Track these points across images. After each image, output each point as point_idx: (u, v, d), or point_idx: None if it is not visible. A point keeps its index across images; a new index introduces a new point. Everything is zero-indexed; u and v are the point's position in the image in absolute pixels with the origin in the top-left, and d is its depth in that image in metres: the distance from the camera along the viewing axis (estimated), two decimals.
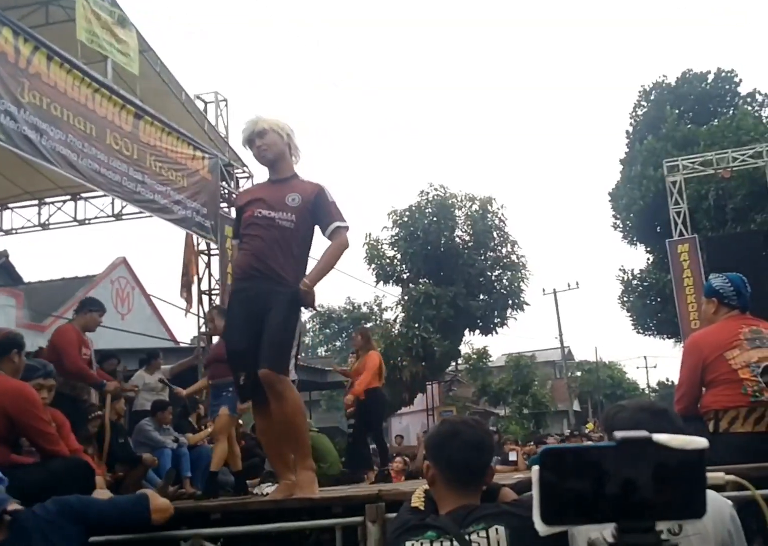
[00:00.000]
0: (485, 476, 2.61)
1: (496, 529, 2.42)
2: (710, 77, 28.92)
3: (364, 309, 48.35)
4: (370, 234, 21.45)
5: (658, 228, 23.94)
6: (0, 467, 4.18)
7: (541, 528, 1.07)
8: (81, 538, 3.01)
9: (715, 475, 1.58)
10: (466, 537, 2.42)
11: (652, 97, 29.09)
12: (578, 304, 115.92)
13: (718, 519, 2.32)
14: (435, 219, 20.64)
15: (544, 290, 38.26)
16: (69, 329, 6.95)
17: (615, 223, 27.77)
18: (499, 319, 21.45)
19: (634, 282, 27.28)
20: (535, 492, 1.06)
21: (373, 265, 21.11)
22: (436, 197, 21.13)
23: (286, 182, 4.57)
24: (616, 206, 27.19)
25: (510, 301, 21.30)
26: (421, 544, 2.46)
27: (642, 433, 1.06)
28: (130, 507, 3.15)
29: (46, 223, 13.45)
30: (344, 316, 48.81)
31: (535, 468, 1.07)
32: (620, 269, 27.90)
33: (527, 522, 2.34)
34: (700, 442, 1.07)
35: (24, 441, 4.71)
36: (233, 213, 12.97)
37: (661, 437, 1.06)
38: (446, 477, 2.54)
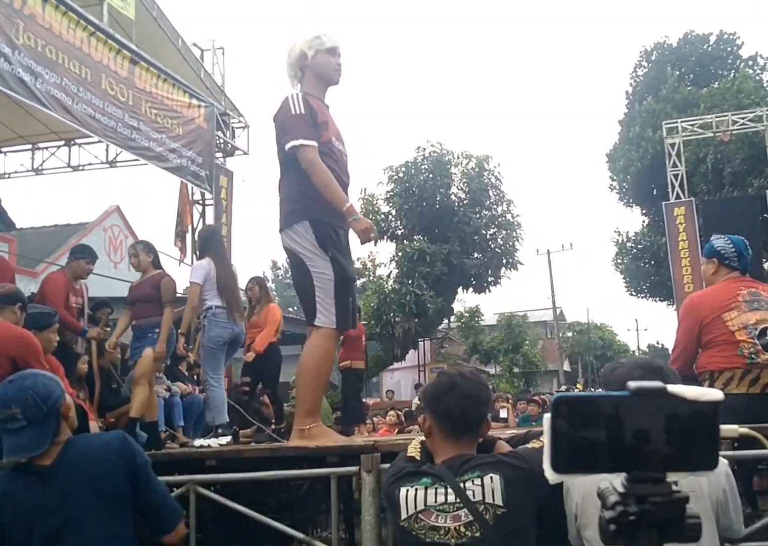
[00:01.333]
0: (481, 428, 2.63)
1: (491, 478, 2.45)
2: (712, 39, 28.58)
3: (358, 264, 48.69)
4: (365, 189, 21.40)
5: (655, 190, 23.88)
6: None
7: (551, 476, 1.06)
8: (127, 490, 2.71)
9: (728, 428, 1.58)
10: (461, 484, 2.45)
11: (653, 58, 28.78)
12: (571, 265, 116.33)
13: (713, 477, 2.34)
14: (431, 176, 20.54)
15: (537, 251, 38.44)
16: (57, 277, 6.95)
17: (611, 185, 27.68)
18: (492, 278, 21.50)
19: (629, 244, 27.29)
20: (546, 440, 1.05)
21: (369, 220, 21.07)
22: (432, 154, 21.00)
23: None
24: (613, 167, 27.07)
25: (504, 261, 21.33)
26: (416, 490, 2.50)
27: (657, 383, 1.04)
28: (168, 511, 2.81)
29: (40, 168, 13.40)
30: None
31: (547, 416, 1.06)
32: (615, 231, 27.93)
33: (522, 472, 2.50)
34: (716, 394, 1.06)
35: None
36: (228, 163, 13.02)
37: (676, 388, 1.04)
38: (443, 428, 2.57)
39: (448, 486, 2.46)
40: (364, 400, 13.02)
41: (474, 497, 2.43)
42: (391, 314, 19.68)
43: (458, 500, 2.43)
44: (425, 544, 2.45)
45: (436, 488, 2.48)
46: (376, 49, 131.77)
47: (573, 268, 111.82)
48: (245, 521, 4.00)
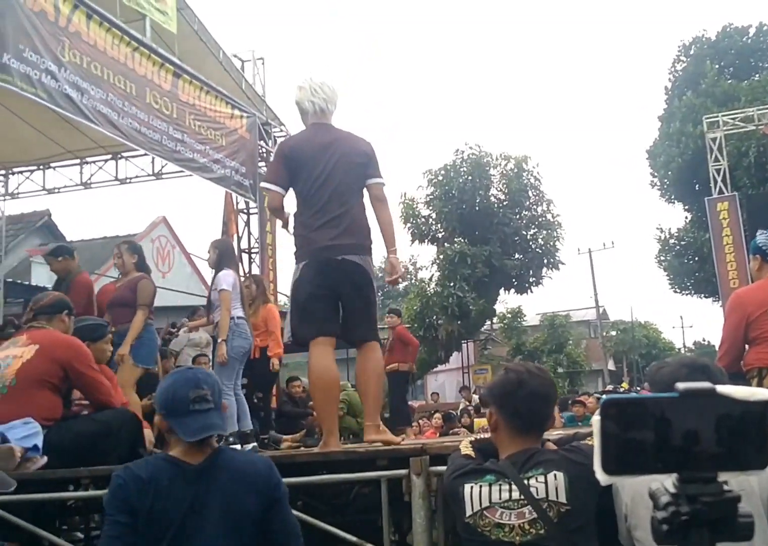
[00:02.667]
0: (547, 425, 2.64)
1: (555, 475, 2.45)
2: (751, 31, 28.14)
3: None
4: (405, 193, 21.50)
5: (697, 186, 23.60)
6: (51, 418, 4.35)
7: (602, 477, 1.06)
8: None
9: None
10: (525, 481, 2.45)
11: (691, 52, 28.43)
12: (613, 263, 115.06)
13: (764, 476, 2.33)
14: (470, 178, 20.55)
15: (579, 250, 38.19)
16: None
17: (652, 182, 27.39)
18: (534, 279, 21.44)
19: (672, 241, 26.98)
20: (596, 442, 1.06)
21: (409, 225, 21.12)
22: (471, 156, 21.00)
23: None
24: (653, 164, 26.79)
25: (545, 261, 21.26)
26: (480, 486, 2.50)
27: (705, 384, 1.05)
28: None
29: (88, 182, 13.59)
30: (380, 275, 49.28)
31: (596, 418, 1.06)
32: (657, 228, 27.60)
33: (585, 469, 2.36)
34: (765, 393, 1.08)
35: (74, 395, 4.87)
36: None
37: (724, 388, 1.05)
38: (509, 424, 2.57)
39: (512, 483, 2.46)
40: (409, 402, 13.06)
41: (538, 494, 2.43)
42: (434, 317, 19.73)
43: (522, 497, 2.43)
44: (490, 541, 2.45)
45: (500, 485, 2.48)
46: (412, 55, 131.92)
47: (615, 267, 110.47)
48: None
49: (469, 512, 2.50)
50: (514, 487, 2.45)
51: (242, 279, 7.17)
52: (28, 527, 3.69)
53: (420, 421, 13.22)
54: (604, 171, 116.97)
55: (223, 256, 6.92)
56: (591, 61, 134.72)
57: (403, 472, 3.57)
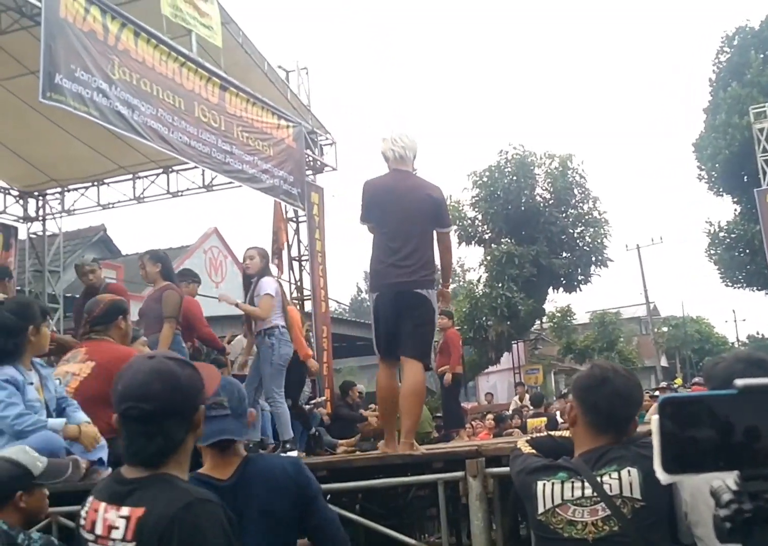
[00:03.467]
0: (628, 427, 2.57)
1: (629, 471, 2.43)
2: None
3: None
4: (450, 196, 21.42)
5: (746, 177, 23.25)
6: (113, 432, 4.47)
7: (662, 477, 1.07)
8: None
9: None
10: (598, 478, 2.44)
11: (735, 43, 27.94)
12: (663, 258, 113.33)
13: None
14: (515, 178, 20.49)
15: (627, 246, 37.75)
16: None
17: (700, 175, 27.01)
18: (582, 277, 21.29)
19: (721, 234, 26.56)
20: (655, 441, 1.05)
21: (455, 227, 21.09)
22: (515, 156, 20.94)
23: None
24: (700, 157, 26.43)
25: (593, 258, 21.10)
26: (553, 484, 2.49)
27: (764, 380, 1.03)
28: (336, 542, 2.81)
29: (141, 196, 13.78)
30: None
31: (655, 417, 1.06)
32: (706, 221, 27.20)
33: None
34: None
35: None
36: (318, 180, 13.28)
37: None
38: (587, 420, 2.54)
39: (585, 480, 2.45)
40: (462, 404, 13.06)
41: (611, 491, 2.41)
42: (483, 318, 19.71)
43: (595, 494, 2.42)
44: (563, 538, 2.45)
45: (572, 482, 2.47)
46: (455, 57, 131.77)
47: (664, 262, 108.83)
48: (354, 529, 4.07)
49: (541, 509, 2.50)
50: (586, 484, 2.44)
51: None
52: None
53: (473, 422, 13.24)
54: (650, 166, 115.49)
55: (267, 264, 6.94)
56: (634, 55, 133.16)
57: (460, 474, 3.58)
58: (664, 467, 1.09)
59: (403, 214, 4.97)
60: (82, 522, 2.07)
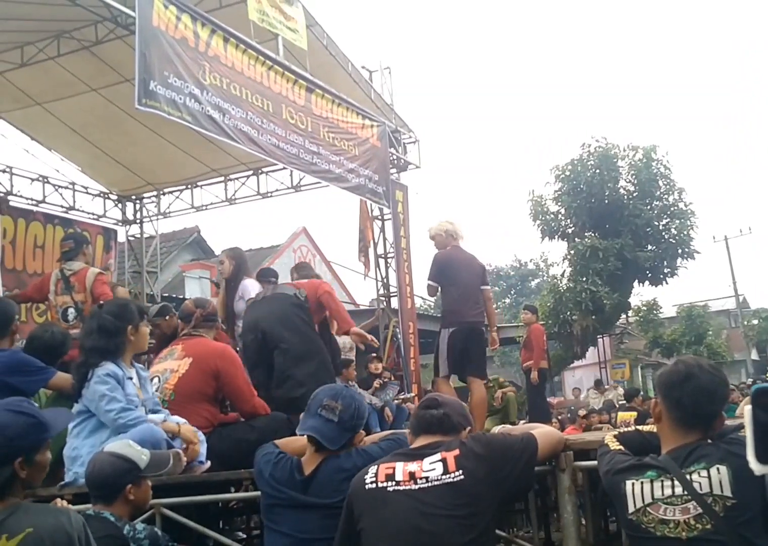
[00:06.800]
0: (714, 423, 2.55)
1: (718, 469, 2.40)
2: None
3: (531, 265, 48.42)
4: (533, 191, 21.27)
5: None
6: (210, 426, 4.64)
7: (756, 467, 1.11)
8: None
9: None
10: (687, 476, 2.42)
11: None
12: (752, 249, 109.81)
13: None
14: (598, 171, 20.19)
15: (714, 238, 36.85)
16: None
17: None
18: (668, 270, 20.85)
19: None
20: (748, 431, 1.04)
21: (538, 222, 20.93)
22: (597, 149, 20.65)
23: None
24: None
25: (679, 251, 20.62)
26: (642, 483, 2.50)
27: None
28: None
29: (232, 198, 14.23)
30: (512, 273, 49.12)
31: (747, 407, 1.08)
32: None
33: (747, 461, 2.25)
34: None
35: None
36: (402, 178, 13.46)
37: None
38: (671, 416, 2.54)
39: (675, 478, 2.44)
40: (548, 399, 13.10)
41: (701, 489, 2.39)
42: (568, 313, 19.51)
43: (686, 492, 2.41)
44: (656, 537, 2.45)
45: (662, 481, 2.46)
46: (533, 53, 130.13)
47: (754, 253, 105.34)
48: None
49: (632, 509, 2.50)
50: (676, 482, 2.43)
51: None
52: (197, 528, 3.87)
53: (559, 417, 13.23)
54: (736, 156, 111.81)
55: (242, 265, 6.98)
56: (715, 43, 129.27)
57: (548, 468, 3.56)
58: (758, 457, 1.15)
59: (468, 277, 7.12)
60: None
